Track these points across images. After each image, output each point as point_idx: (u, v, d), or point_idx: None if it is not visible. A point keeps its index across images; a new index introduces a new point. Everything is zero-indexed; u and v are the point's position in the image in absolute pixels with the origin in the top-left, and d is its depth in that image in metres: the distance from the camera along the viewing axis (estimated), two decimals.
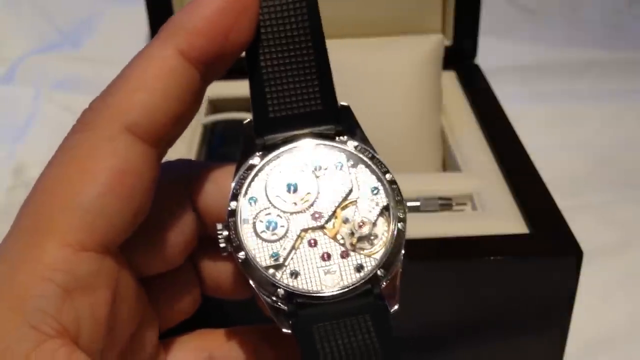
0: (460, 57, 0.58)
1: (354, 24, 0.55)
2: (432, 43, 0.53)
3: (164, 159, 0.23)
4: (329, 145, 0.24)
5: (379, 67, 0.52)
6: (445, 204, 0.42)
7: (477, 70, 0.58)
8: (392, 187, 0.24)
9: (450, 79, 0.57)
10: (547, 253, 0.37)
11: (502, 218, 0.40)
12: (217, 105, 0.55)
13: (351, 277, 0.23)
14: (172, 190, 0.25)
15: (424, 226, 0.39)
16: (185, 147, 0.49)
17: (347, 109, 0.25)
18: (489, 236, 0.38)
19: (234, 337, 0.27)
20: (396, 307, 0.23)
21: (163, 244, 0.24)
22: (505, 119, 0.50)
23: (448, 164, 0.51)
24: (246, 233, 0.23)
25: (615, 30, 0.84)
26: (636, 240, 0.54)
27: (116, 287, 0.21)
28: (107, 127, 0.21)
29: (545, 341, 0.40)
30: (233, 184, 0.24)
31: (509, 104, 0.53)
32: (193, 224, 0.25)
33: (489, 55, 0.61)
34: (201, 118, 0.53)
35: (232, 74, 0.24)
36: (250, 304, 0.27)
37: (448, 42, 0.57)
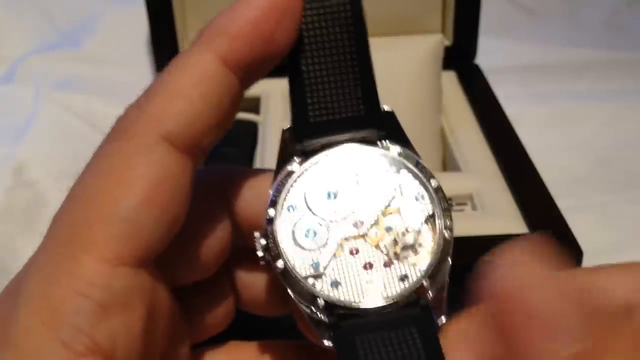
0: (460, 57, 0.58)
1: None
2: (432, 43, 0.53)
3: None
4: (371, 150, 0.23)
5: (379, 67, 0.51)
6: None
7: (477, 70, 0.58)
8: (438, 195, 0.23)
9: (450, 79, 0.57)
10: None
11: (502, 218, 0.40)
12: None
13: (395, 288, 0.22)
14: (206, 198, 0.24)
15: None
16: None
17: (390, 114, 0.24)
18: (489, 236, 0.38)
19: (266, 351, 0.26)
20: (443, 318, 0.22)
21: (196, 252, 0.23)
22: (505, 119, 0.50)
23: (448, 164, 0.51)
24: (285, 241, 0.22)
25: (615, 30, 0.84)
26: (636, 240, 0.54)
27: (151, 303, 0.21)
28: (144, 136, 0.20)
29: None
30: (271, 191, 0.23)
31: (509, 104, 0.53)
32: (227, 232, 0.24)
33: (489, 55, 0.61)
34: None
35: None
36: (284, 317, 0.26)
37: (448, 42, 0.57)
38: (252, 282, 0.26)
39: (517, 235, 0.39)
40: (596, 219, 0.57)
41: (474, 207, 0.42)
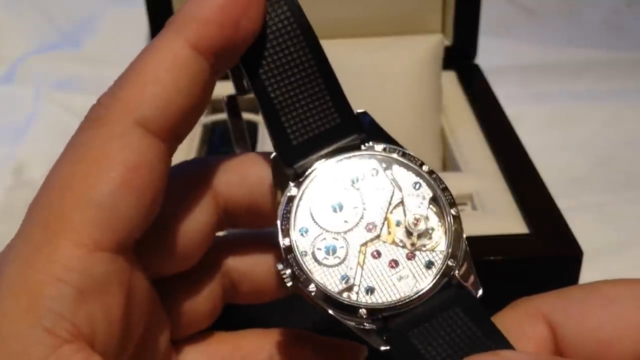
0: (460, 57, 0.58)
1: (354, 24, 0.55)
2: (432, 43, 0.53)
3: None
4: (358, 155, 0.24)
5: (379, 67, 0.52)
6: None
7: (477, 70, 0.58)
8: (433, 177, 0.24)
9: (450, 79, 0.57)
10: (547, 253, 0.37)
11: (502, 218, 0.40)
12: (217, 105, 0.55)
13: (425, 276, 0.23)
14: (186, 188, 0.24)
15: None
16: (185, 147, 0.49)
17: (364, 114, 0.25)
18: (489, 236, 0.38)
19: (249, 341, 0.27)
20: (480, 291, 0.23)
21: (175, 241, 0.24)
22: (505, 119, 0.50)
23: (448, 164, 0.51)
24: (309, 265, 0.23)
25: (615, 30, 0.84)
26: (636, 240, 0.54)
27: (129, 288, 0.21)
28: (119, 122, 0.21)
29: None
30: (278, 221, 0.23)
31: (509, 104, 0.53)
32: (208, 221, 0.24)
33: (489, 55, 0.61)
34: (201, 118, 0.53)
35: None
36: (268, 305, 0.27)
37: (448, 42, 0.57)
38: (251, 272, 0.26)
39: (517, 235, 0.39)
40: (596, 218, 0.57)
41: (474, 207, 0.42)
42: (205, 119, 0.53)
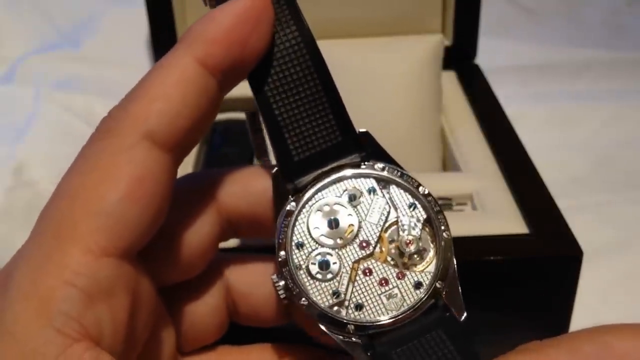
0: (460, 57, 0.58)
1: (354, 24, 0.55)
2: (432, 43, 0.53)
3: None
4: (357, 173, 0.25)
5: (379, 67, 0.52)
6: (445, 204, 0.42)
7: (477, 70, 0.58)
8: (428, 199, 0.25)
9: (450, 79, 0.57)
10: (547, 253, 0.37)
11: (502, 218, 0.40)
12: None
13: (413, 296, 0.24)
14: (190, 199, 0.25)
15: None
16: None
17: (366, 134, 0.25)
18: (489, 236, 0.38)
19: (254, 355, 0.27)
20: (464, 314, 0.24)
21: (180, 249, 0.24)
22: (505, 119, 0.50)
23: (448, 164, 0.51)
24: (302, 278, 0.24)
25: (615, 30, 0.84)
26: (636, 240, 0.54)
27: (135, 293, 0.22)
28: (127, 135, 0.21)
29: None
30: (276, 234, 0.24)
31: (509, 104, 0.53)
32: (212, 231, 0.25)
33: (489, 55, 0.61)
34: None
35: None
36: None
37: (448, 42, 0.57)
38: (249, 294, 0.27)
39: (517, 235, 0.39)
40: (596, 218, 0.57)
41: (474, 207, 0.42)
42: None
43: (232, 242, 0.32)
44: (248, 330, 0.28)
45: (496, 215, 0.40)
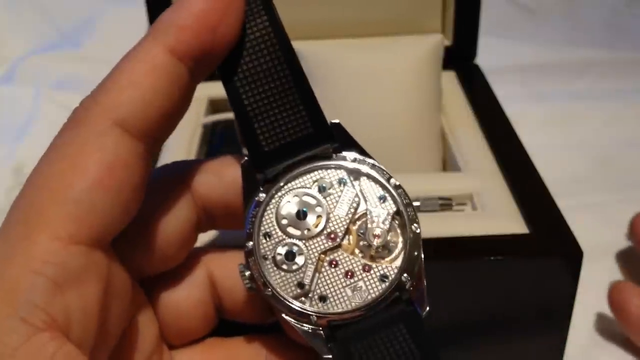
0: (460, 57, 0.58)
1: (354, 24, 0.55)
2: (432, 43, 0.53)
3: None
4: (328, 164, 0.24)
5: (379, 67, 0.51)
6: (445, 204, 0.42)
7: (477, 70, 0.58)
8: (398, 192, 0.24)
9: (450, 79, 0.57)
10: (547, 253, 0.37)
11: (502, 218, 0.40)
12: (217, 105, 0.55)
13: (377, 289, 0.23)
14: (165, 187, 0.25)
15: (424, 226, 0.39)
16: (185, 147, 0.48)
17: (338, 125, 0.25)
18: (489, 236, 0.38)
19: (244, 347, 0.27)
20: (427, 309, 0.24)
21: (155, 239, 0.24)
22: (505, 119, 0.50)
23: (448, 164, 0.51)
24: (268, 269, 0.24)
25: (615, 30, 0.84)
26: None
27: (107, 282, 0.21)
28: (97, 123, 0.21)
29: (544, 341, 0.40)
30: (245, 224, 0.24)
31: (509, 104, 0.53)
32: (189, 221, 0.25)
33: (489, 55, 0.61)
34: (201, 118, 0.53)
35: None
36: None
37: (448, 42, 0.57)
38: (234, 287, 0.26)
39: (517, 235, 0.39)
40: (596, 218, 0.57)
41: (474, 207, 0.42)
42: (205, 119, 0.53)
43: (220, 240, 0.32)
44: (243, 327, 0.28)
45: (496, 215, 0.40)
